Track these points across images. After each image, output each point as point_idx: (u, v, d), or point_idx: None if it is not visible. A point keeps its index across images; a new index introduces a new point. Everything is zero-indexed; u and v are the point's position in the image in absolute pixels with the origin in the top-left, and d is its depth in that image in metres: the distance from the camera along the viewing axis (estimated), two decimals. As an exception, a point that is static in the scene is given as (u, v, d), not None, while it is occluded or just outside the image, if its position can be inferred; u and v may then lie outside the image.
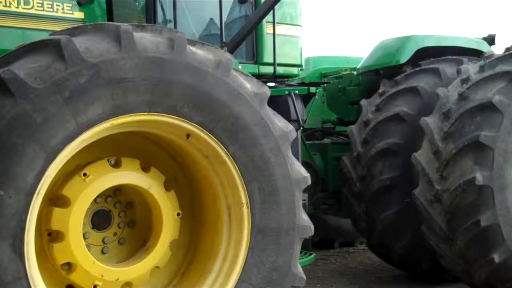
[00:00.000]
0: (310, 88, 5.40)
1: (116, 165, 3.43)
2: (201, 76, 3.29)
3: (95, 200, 3.45)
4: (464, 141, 4.97)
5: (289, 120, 5.17)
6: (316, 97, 6.83)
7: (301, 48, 5.82)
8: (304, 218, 3.77)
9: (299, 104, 5.32)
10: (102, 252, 3.57)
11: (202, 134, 3.39)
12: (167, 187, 3.58)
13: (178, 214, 3.61)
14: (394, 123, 5.97)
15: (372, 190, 5.96)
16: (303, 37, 6.31)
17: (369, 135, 6.05)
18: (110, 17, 5.10)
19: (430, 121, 5.35)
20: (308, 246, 4.95)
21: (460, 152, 4.97)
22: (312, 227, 3.81)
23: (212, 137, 3.41)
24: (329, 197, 7.00)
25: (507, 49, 5.56)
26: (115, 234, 3.62)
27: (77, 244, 3.23)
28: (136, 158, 3.50)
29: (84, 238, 3.42)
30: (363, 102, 6.42)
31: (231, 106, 3.39)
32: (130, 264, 3.50)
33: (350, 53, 12.62)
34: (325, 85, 7.35)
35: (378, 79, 6.56)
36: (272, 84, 6.26)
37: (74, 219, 3.21)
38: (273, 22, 5.31)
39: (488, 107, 5.00)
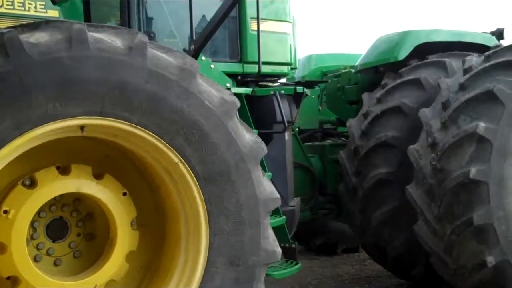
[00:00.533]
0: (297, 88, 5.07)
1: (65, 172, 3.19)
2: (161, 82, 3.03)
3: (49, 208, 3.26)
4: (460, 133, 4.57)
5: (275, 121, 4.91)
6: (312, 96, 6.53)
7: (291, 46, 5.50)
8: (270, 244, 3.46)
9: (285, 105, 5.02)
10: (55, 264, 3.33)
11: (159, 144, 3.13)
12: (124, 197, 3.33)
13: (133, 223, 3.37)
14: (394, 115, 5.62)
15: (368, 185, 5.63)
16: (296, 33, 6.07)
17: (367, 128, 5.71)
18: (87, 16, 4.90)
19: (429, 112, 4.98)
20: (293, 255, 4.64)
21: (456, 144, 4.57)
22: (279, 256, 3.53)
23: (170, 147, 3.14)
24: (328, 201, 6.68)
25: None
26: (70, 246, 3.39)
27: (20, 257, 3.01)
28: (90, 165, 3.26)
29: (38, 248, 3.24)
30: (365, 95, 6.09)
31: (193, 115, 3.12)
32: (83, 278, 3.26)
33: (354, 50, 12.24)
34: (323, 84, 7.02)
35: (377, 77, 6.20)
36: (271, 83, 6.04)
37: (17, 230, 2.99)
38: (257, 19, 5.02)
39: (488, 97, 4.59)
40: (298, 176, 6.10)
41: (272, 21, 5.30)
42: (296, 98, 5.63)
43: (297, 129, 6.36)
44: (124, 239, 3.32)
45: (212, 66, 4.22)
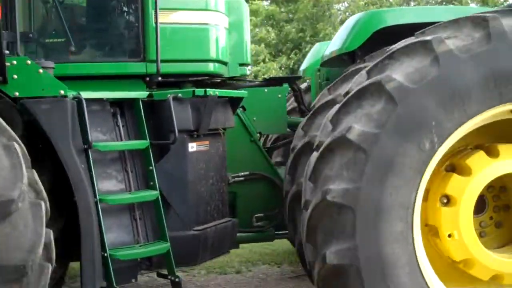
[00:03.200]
0: (196, 90, 4.22)
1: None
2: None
3: None
4: (331, 138, 3.46)
5: (171, 131, 4.16)
6: (279, 95, 5.60)
7: (218, 39, 4.67)
8: None
9: (184, 111, 4.22)
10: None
11: None
12: None
13: None
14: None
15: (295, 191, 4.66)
16: (243, 24, 5.21)
17: (305, 128, 4.77)
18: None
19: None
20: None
21: (325, 154, 3.47)
22: None
23: None
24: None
25: None
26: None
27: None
28: None
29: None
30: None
31: None
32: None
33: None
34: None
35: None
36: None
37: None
38: (155, 9, 4.28)
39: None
40: (259, 190, 5.28)
41: (186, 11, 4.52)
42: (234, 102, 4.83)
43: (257, 135, 5.48)
44: None
45: (40, 71, 3.59)
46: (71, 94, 3.76)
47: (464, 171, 3.60)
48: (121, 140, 4.22)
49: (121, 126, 4.27)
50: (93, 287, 3.65)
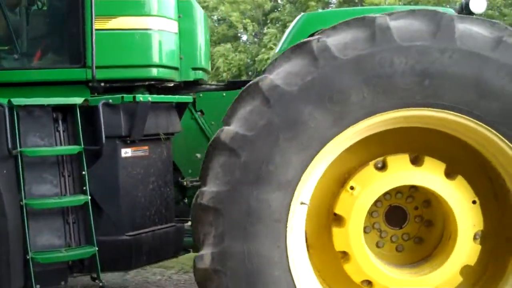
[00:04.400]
0: (125, 96, 4.23)
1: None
2: None
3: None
4: (211, 140, 3.45)
5: (99, 136, 4.21)
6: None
7: (161, 44, 4.67)
8: None
9: (115, 116, 4.25)
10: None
11: None
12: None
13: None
14: None
15: None
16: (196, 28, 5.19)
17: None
18: None
19: None
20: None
21: (208, 154, 3.44)
22: None
23: None
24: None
25: None
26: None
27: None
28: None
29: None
30: None
31: None
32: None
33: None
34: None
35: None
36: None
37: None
38: (91, 15, 4.34)
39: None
40: None
41: (126, 17, 4.55)
42: (180, 107, 4.85)
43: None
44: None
45: None
46: (-6, 102, 3.87)
47: (353, 187, 3.43)
48: (61, 144, 4.31)
49: (61, 131, 4.36)
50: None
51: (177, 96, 4.81)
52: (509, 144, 3.14)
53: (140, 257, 4.42)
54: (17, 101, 4.03)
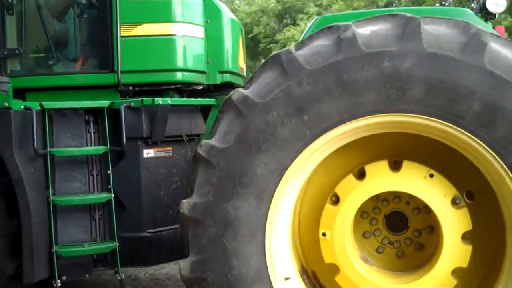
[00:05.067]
0: (144, 99, 4.43)
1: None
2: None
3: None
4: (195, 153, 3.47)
5: (122, 138, 4.45)
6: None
7: (185, 49, 4.83)
8: None
9: (137, 119, 4.46)
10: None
11: None
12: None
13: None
14: None
15: None
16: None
17: None
18: None
19: None
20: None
21: (193, 167, 3.47)
22: None
23: None
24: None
25: None
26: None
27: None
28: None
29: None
30: None
31: None
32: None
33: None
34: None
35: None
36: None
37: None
38: (116, 21, 4.59)
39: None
40: None
41: (152, 24, 4.76)
42: (206, 110, 5.00)
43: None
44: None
45: None
46: (21, 106, 4.17)
47: (336, 199, 3.38)
48: (91, 145, 4.59)
49: (92, 132, 4.64)
50: (32, 279, 4.05)
51: (198, 99, 4.96)
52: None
53: (161, 254, 4.61)
54: (49, 104, 4.33)
